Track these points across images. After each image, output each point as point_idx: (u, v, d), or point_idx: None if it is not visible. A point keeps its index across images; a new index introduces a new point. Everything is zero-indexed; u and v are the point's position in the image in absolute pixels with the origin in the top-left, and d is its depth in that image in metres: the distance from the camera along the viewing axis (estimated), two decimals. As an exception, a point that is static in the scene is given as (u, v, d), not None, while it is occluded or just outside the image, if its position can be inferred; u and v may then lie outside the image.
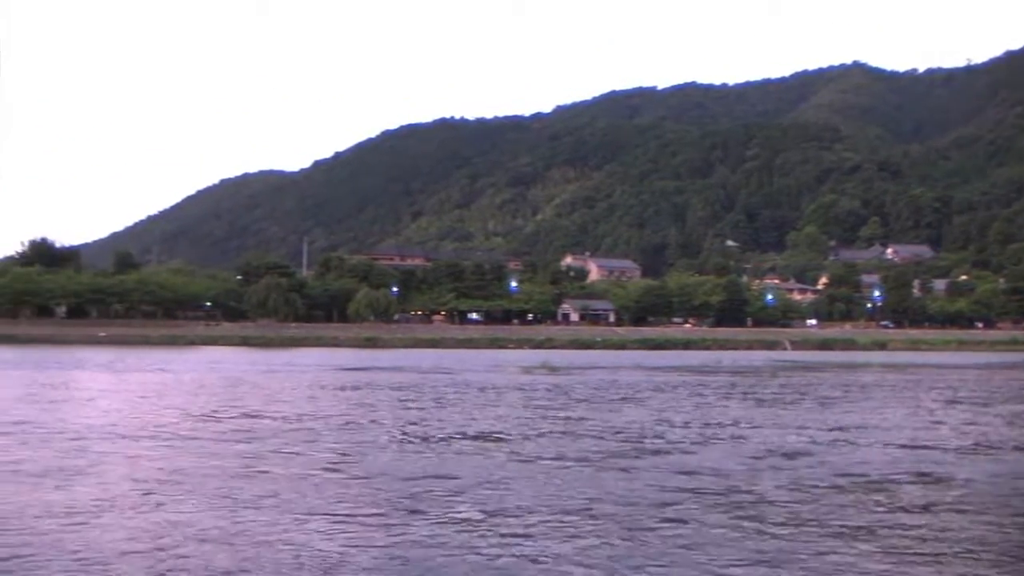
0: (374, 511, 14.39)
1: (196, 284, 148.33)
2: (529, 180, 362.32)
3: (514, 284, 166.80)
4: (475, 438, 24.07)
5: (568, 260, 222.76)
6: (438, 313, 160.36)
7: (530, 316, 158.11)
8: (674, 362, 79.55)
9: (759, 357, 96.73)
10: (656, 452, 21.64)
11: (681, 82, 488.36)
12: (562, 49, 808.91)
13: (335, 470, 18.35)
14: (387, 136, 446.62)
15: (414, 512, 14.29)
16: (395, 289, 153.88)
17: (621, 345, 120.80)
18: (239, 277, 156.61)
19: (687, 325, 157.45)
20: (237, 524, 13.25)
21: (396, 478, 17.36)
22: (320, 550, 11.94)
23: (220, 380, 46.73)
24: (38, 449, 20.75)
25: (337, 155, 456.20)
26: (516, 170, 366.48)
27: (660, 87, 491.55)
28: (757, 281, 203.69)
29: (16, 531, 12.66)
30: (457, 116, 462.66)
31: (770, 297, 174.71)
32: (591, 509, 14.63)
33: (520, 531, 13.12)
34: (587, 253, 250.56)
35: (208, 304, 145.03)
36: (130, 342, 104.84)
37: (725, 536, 12.93)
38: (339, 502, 15.01)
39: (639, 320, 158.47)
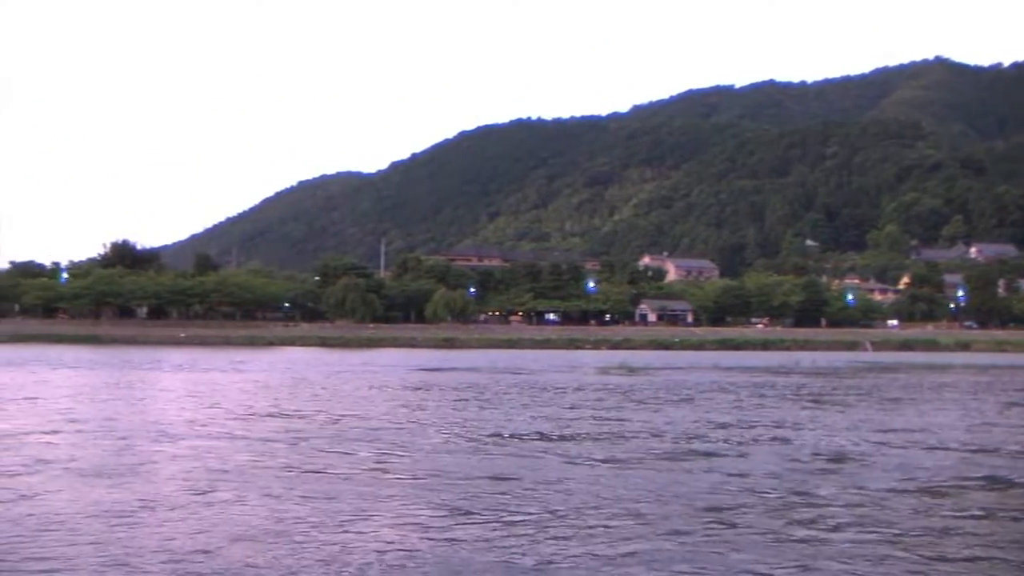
0: (421, 511, 14.35)
1: (275, 285, 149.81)
2: (606, 180, 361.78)
3: (591, 284, 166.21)
4: (532, 439, 23.93)
5: (646, 260, 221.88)
6: (515, 313, 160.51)
7: (607, 317, 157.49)
8: (752, 363, 78.72)
9: (839, 358, 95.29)
10: (709, 454, 21.38)
11: (759, 80, 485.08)
12: (639, 49, 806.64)
13: (386, 470, 18.37)
14: (464, 137, 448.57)
15: (461, 513, 14.24)
16: (472, 290, 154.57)
17: (699, 346, 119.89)
18: (317, 278, 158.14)
19: (759, 326, 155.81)
20: (280, 524, 13.28)
21: (446, 478, 17.32)
22: (362, 550, 11.90)
23: (289, 380, 47.07)
24: (92, 448, 21.03)
25: (414, 156, 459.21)
26: (593, 170, 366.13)
27: (738, 86, 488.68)
28: (837, 281, 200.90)
29: (62, 530, 12.80)
30: (534, 116, 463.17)
31: (850, 297, 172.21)
32: (641, 511, 14.46)
33: (569, 533, 12.97)
34: (665, 253, 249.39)
35: (286, 305, 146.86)
36: (210, 342, 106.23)
37: (775, 540, 12.71)
38: (387, 502, 15.01)
39: (717, 320, 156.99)
